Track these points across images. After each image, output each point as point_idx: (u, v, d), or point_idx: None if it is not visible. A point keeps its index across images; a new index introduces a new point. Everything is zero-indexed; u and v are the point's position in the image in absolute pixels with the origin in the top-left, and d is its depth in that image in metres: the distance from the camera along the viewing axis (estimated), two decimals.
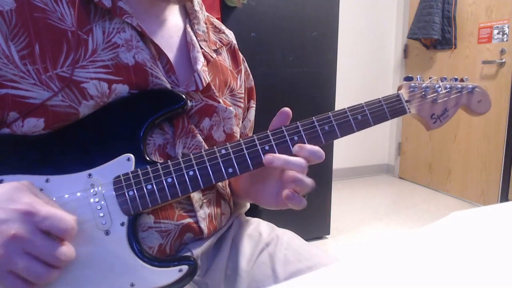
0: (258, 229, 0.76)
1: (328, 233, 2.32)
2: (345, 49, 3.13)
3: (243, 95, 0.76)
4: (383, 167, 3.81)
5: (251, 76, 0.81)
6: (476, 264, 0.34)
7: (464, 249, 0.37)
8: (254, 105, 0.82)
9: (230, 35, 0.79)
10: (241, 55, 0.79)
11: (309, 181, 0.58)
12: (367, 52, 3.50)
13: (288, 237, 0.73)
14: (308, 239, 2.18)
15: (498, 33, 2.68)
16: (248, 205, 0.84)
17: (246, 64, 0.80)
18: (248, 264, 0.69)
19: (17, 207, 0.45)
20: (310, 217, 2.23)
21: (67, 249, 0.47)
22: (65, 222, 0.47)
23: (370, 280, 0.32)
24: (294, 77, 2.03)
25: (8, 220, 0.44)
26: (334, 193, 2.29)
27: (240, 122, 0.77)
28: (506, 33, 2.63)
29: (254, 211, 0.90)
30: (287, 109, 0.63)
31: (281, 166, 0.59)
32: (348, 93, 3.16)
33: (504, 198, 2.70)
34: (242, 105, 0.76)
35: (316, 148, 0.59)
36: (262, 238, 0.73)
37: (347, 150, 3.49)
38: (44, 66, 0.54)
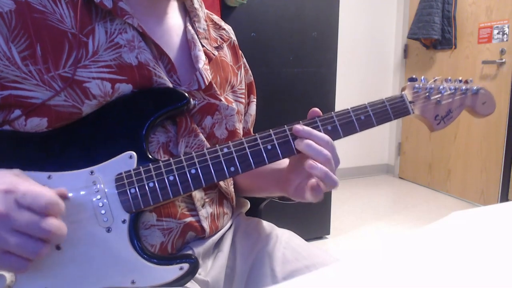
0: (258, 228, 0.77)
1: (328, 233, 2.32)
2: (345, 49, 3.13)
3: (243, 91, 0.77)
4: (383, 167, 3.81)
5: (249, 71, 0.82)
6: (476, 264, 0.34)
7: (464, 249, 0.37)
8: (255, 100, 0.83)
9: (229, 31, 0.80)
10: (240, 51, 0.80)
11: (336, 178, 0.58)
12: (367, 52, 3.50)
13: (287, 237, 0.74)
14: (308, 239, 2.18)
15: (498, 33, 2.68)
16: (248, 205, 0.85)
17: (244, 59, 0.81)
18: (246, 263, 0.69)
19: None
20: (310, 217, 2.23)
21: (53, 221, 0.46)
22: (44, 198, 0.46)
23: (370, 280, 0.32)
24: (294, 77, 2.03)
25: None
26: (334, 193, 2.30)
27: (242, 118, 0.78)
28: (506, 33, 2.63)
29: (254, 211, 0.90)
30: (316, 109, 0.63)
31: (306, 137, 0.59)
32: (348, 93, 3.16)
33: (504, 198, 2.70)
34: (243, 100, 0.76)
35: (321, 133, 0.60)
36: (261, 237, 0.73)
37: (347, 150, 3.49)
38: (46, 67, 0.54)
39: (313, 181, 0.60)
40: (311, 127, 0.62)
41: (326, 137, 0.60)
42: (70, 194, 0.53)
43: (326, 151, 0.58)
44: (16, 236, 0.45)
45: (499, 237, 0.39)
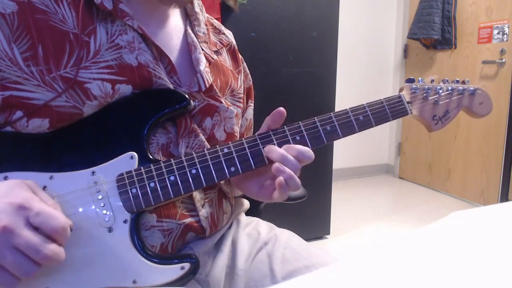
0: (257, 228, 0.77)
1: (328, 233, 2.32)
2: (345, 49, 3.13)
3: (242, 95, 0.77)
4: (383, 167, 3.81)
5: (249, 75, 0.82)
6: (476, 264, 0.34)
7: (464, 249, 0.37)
8: (252, 104, 0.83)
9: (229, 35, 0.79)
10: (240, 55, 0.80)
11: (298, 181, 0.59)
12: (367, 52, 3.50)
13: (286, 237, 0.74)
14: (308, 239, 2.18)
15: (498, 33, 2.68)
16: (248, 205, 0.85)
17: (244, 64, 0.81)
18: (246, 263, 0.69)
19: (12, 201, 0.45)
20: (310, 217, 2.23)
21: (54, 247, 0.46)
22: (57, 221, 0.46)
23: (370, 280, 0.32)
24: (294, 77, 2.03)
25: (0, 213, 0.44)
26: (334, 193, 2.29)
27: (240, 121, 0.78)
28: (506, 33, 2.63)
29: (254, 211, 0.90)
30: (281, 108, 0.63)
31: (277, 160, 0.59)
32: (348, 93, 3.16)
33: (504, 198, 2.70)
34: (241, 105, 0.76)
35: (305, 148, 0.60)
36: (261, 237, 0.74)
37: (347, 150, 3.49)
38: (47, 68, 0.54)
39: (281, 179, 0.60)
40: (311, 127, 0.62)
41: (299, 148, 0.60)
42: (70, 193, 0.54)
43: (296, 161, 0.59)
44: (14, 254, 0.45)
45: (499, 237, 0.40)
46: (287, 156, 0.58)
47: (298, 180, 0.59)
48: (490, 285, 0.31)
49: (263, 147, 0.60)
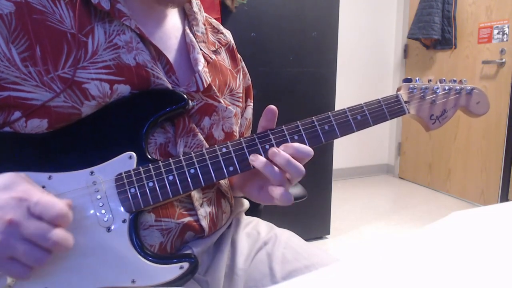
0: (257, 228, 0.77)
1: (328, 233, 2.32)
2: (345, 49, 3.13)
3: (241, 95, 0.77)
4: (383, 167, 3.81)
5: (248, 75, 0.82)
6: (476, 264, 0.34)
7: (464, 249, 0.37)
8: (251, 104, 0.83)
9: (228, 35, 0.79)
10: (238, 55, 0.80)
11: (299, 165, 0.58)
12: (367, 52, 3.50)
13: (286, 236, 0.74)
14: (308, 239, 2.18)
15: (498, 33, 2.68)
16: (248, 204, 0.85)
17: (243, 63, 0.81)
18: (245, 263, 0.69)
19: (12, 195, 0.46)
20: (310, 217, 2.23)
21: (61, 233, 0.47)
22: (56, 207, 0.47)
23: (370, 280, 0.32)
24: (294, 77, 2.03)
25: (3, 207, 0.45)
26: (334, 193, 2.29)
27: (239, 121, 0.78)
28: (506, 33, 2.63)
29: (254, 211, 0.90)
30: (272, 106, 0.62)
31: (282, 164, 0.58)
32: (348, 93, 3.16)
33: (504, 198, 2.70)
34: (240, 104, 0.76)
35: (302, 145, 0.60)
36: (261, 237, 0.74)
37: (347, 150, 3.49)
38: (45, 68, 0.54)
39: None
40: (309, 127, 0.62)
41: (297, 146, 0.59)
42: (68, 193, 0.53)
43: (298, 164, 0.58)
44: (24, 244, 0.46)
45: (499, 237, 0.39)
46: (290, 159, 0.58)
47: (297, 163, 0.58)
48: (490, 285, 0.31)
49: (261, 147, 0.60)
